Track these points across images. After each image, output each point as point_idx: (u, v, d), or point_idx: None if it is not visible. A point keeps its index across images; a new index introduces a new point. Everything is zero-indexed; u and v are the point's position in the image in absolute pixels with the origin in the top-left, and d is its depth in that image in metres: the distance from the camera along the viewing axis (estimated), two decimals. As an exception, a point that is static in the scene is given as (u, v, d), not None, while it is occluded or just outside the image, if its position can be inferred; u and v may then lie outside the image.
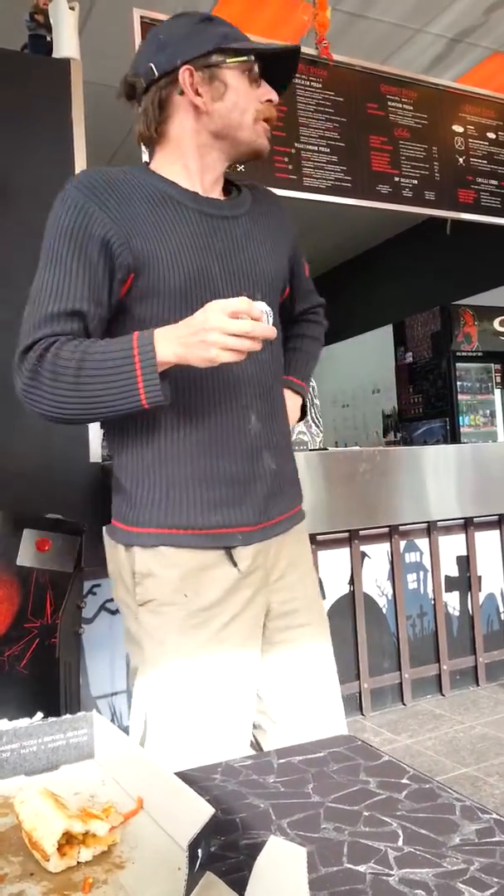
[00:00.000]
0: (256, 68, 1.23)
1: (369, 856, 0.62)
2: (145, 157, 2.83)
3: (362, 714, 3.01)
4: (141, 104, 1.25)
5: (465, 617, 3.33)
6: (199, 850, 0.54)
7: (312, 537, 2.92)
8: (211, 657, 1.17)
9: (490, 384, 6.04)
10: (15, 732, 0.74)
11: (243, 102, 1.23)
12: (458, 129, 3.69)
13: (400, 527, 3.15)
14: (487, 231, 3.94)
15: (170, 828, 0.63)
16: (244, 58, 1.22)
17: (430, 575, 3.25)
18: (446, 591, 3.29)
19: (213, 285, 1.19)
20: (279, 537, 1.28)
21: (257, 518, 1.23)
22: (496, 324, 5.99)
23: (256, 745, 1.29)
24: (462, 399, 5.89)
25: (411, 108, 3.55)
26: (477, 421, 5.93)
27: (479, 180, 3.73)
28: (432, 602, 3.25)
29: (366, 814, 0.69)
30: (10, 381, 2.07)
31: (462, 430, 5.83)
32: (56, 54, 2.39)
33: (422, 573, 3.24)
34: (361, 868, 0.60)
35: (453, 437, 5.79)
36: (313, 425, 3.05)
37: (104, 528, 1.29)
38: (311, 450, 2.95)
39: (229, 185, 1.35)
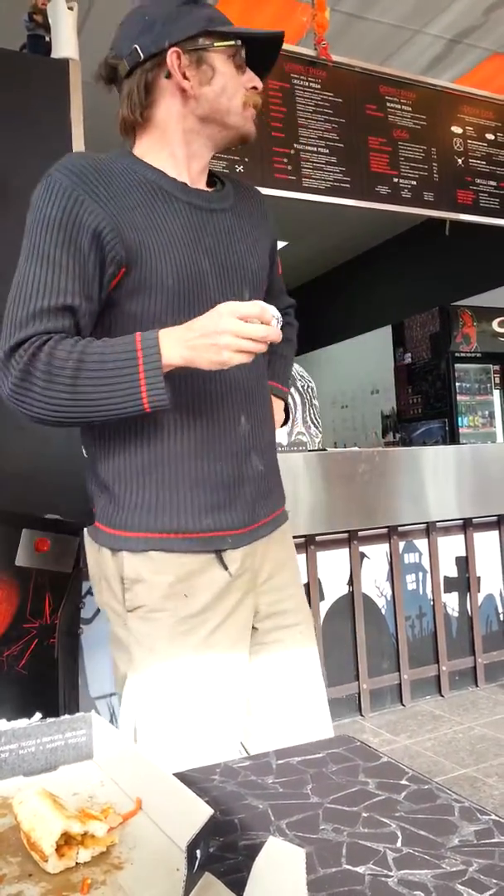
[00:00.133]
0: (243, 53, 1.20)
1: (368, 857, 0.62)
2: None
3: (361, 715, 3.01)
4: (123, 88, 1.20)
5: (464, 618, 3.33)
6: (198, 851, 0.54)
7: (311, 538, 2.92)
8: (201, 663, 1.15)
9: (489, 385, 6.04)
10: (13, 733, 0.74)
11: (231, 87, 1.19)
12: (456, 130, 3.69)
13: (399, 527, 3.15)
14: (486, 232, 3.95)
15: (168, 829, 0.63)
16: (231, 42, 1.18)
17: (429, 576, 3.25)
18: (445, 592, 3.29)
19: (204, 282, 1.16)
20: (265, 538, 1.27)
21: (246, 520, 1.21)
22: (495, 325, 5.99)
23: (242, 747, 1.28)
24: (461, 400, 5.89)
25: (410, 109, 3.55)
26: (476, 422, 5.93)
27: (478, 181, 3.73)
28: (431, 603, 3.25)
29: (365, 815, 0.69)
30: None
31: (461, 430, 5.83)
32: (55, 54, 2.39)
33: (421, 574, 3.24)
34: (360, 869, 0.60)
35: (452, 437, 5.79)
36: (312, 426, 3.05)
37: (85, 529, 1.25)
38: (310, 450, 2.95)
39: (212, 177, 1.31)
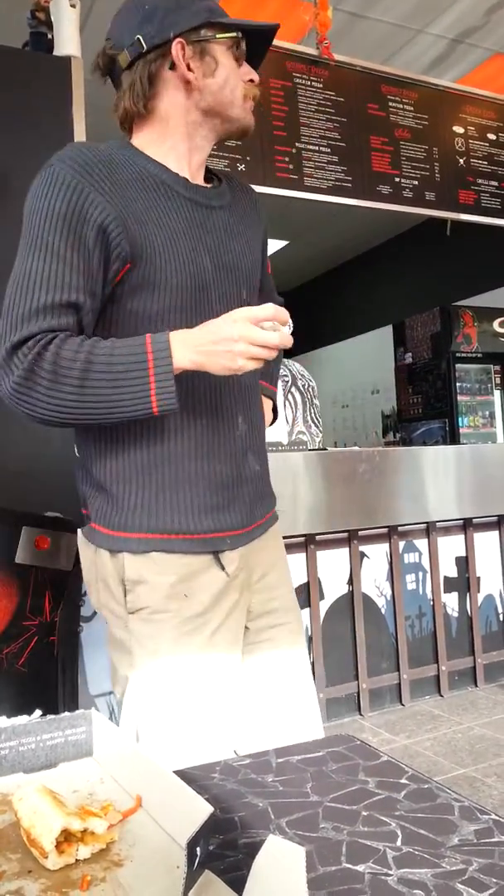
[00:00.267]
0: (243, 45, 1.20)
1: (368, 855, 0.62)
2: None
3: (360, 714, 3.01)
4: (123, 79, 1.18)
5: (463, 618, 3.33)
6: (198, 849, 0.54)
7: (311, 537, 2.92)
8: (204, 663, 1.14)
9: (489, 385, 6.04)
10: (13, 730, 0.74)
11: (233, 80, 1.18)
12: (458, 129, 3.69)
13: (399, 527, 3.15)
14: (487, 232, 3.95)
15: (168, 826, 0.63)
16: (233, 34, 1.18)
17: (428, 576, 3.25)
18: (445, 592, 3.29)
19: (205, 280, 1.15)
20: (259, 538, 1.27)
21: (244, 521, 1.21)
22: (496, 325, 5.99)
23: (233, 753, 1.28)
24: (461, 400, 5.88)
25: (412, 108, 3.55)
26: (476, 422, 5.93)
27: (480, 181, 3.73)
28: (431, 603, 3.25)
29: (364, 813, 0.69)
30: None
31: (461, 431, 5.83)
32: (57, 52, 2.39)
33: (421, 574, 3.24)
34: (360, 868, 0.60)
35: (452, 438, 5.79)
36: (313, 425, 3.05)
37: (80, 531, 1.22)
38: (310, 450, 2.95)
39: (208, 173, 1.29)
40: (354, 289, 8.28)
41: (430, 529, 3.24)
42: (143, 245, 1.08)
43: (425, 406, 6.14)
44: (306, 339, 7.41)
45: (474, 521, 3.35)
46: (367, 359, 7.24)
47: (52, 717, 0.77)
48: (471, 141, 3.73)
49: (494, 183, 3.76)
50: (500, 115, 3.83)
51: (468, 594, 3.34)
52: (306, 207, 3.52)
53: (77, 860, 0.59)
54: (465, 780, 2.40)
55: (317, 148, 3.26)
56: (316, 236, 7.37)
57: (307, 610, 2.90)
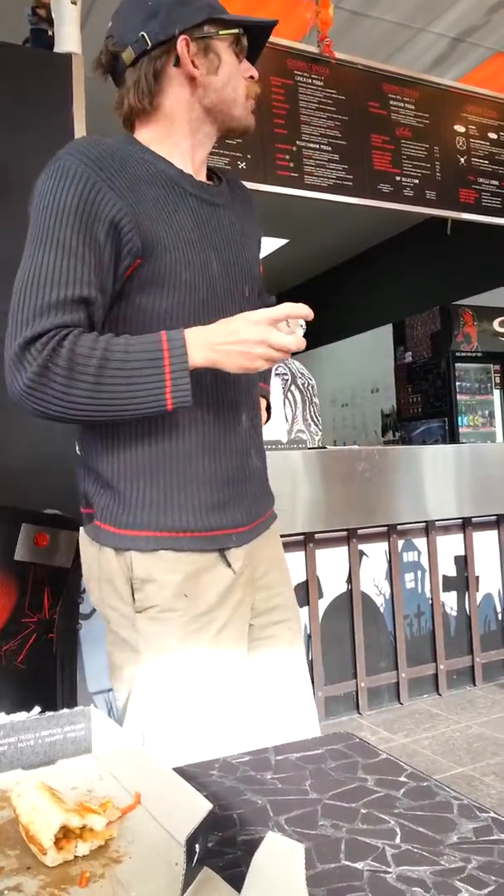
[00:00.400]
0: (245, 41, 1.20)
1: (367, 853, 0.62)
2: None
3: (359, 713, 3.01)
4: (127, 76, 1.18)
5: (462, 617, 3.33)
6: (197, 846, 0.54)
7: (311, 535, 2.92)
8: (212, 661, 1.14)
9: (489, 385, 6.03)
10: (12, 726, 0.74)
11: (236, 77, 1.19)
12: (459, 128, 3.69)
13: (398, 526, 3.15)
14: (488, 231, 3.94)
15: (167, 823, 0.63)
16: (235, 30, 1.18)
17: (427, 574, 3.25)
18: (444, 591, 3.29)
19: (212, 277, 1.15)
20: (261, 536, 1.27)
21: (248, 518, 1.22)
22: (496, 324, 5.98)
23: None
24: (461, 399, 5.88)
25: (413, 107, 3.55)
26: (476, 421, 5.93)
27: (481, 180, 3.73)
28: (430, 602, 3.25)
29: (363, 811, 0.69)
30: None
31: (461, 430, 5.83)
32: (58, 49, 2.39)
33: (419, 573, 3.24)
34: (359, 865, 0.60)
35: (452, 437, 5.79)
36: (312, 424, 3.05)
37: (82, 529, 1.21)
38: (309, 448, 2.95)
39: (208, 171, 1.29)
40: (354, 287, 8.27)
41: (429, 528, 3.24)
42: (153, 241, 1.08)
43: (425, 405, 6.14)
44: (306, 338, 7.36)
45: (473, 520, 3.35)
46: (367, 357, 7.24)
47: (50, 713, 0.77)
48: (472, 140, 3.72)
49: (495, 182, 3.76)
50: (501, 115, 3.83)
51: (467, 593, 3.35)
52: (307, 206, 3.51)
53: (76, 857, 0.59)
54: (463, 778, 2.40)
55: (317, 146, 3.26)
56: (316, 235, 7.36)
57: (306, 608, 2.91)
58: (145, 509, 1.12)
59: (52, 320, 1.01)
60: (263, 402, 1.47)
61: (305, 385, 3.06)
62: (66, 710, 0.77)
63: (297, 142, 3.21)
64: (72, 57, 2.37)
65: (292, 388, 3.00)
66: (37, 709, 0.77)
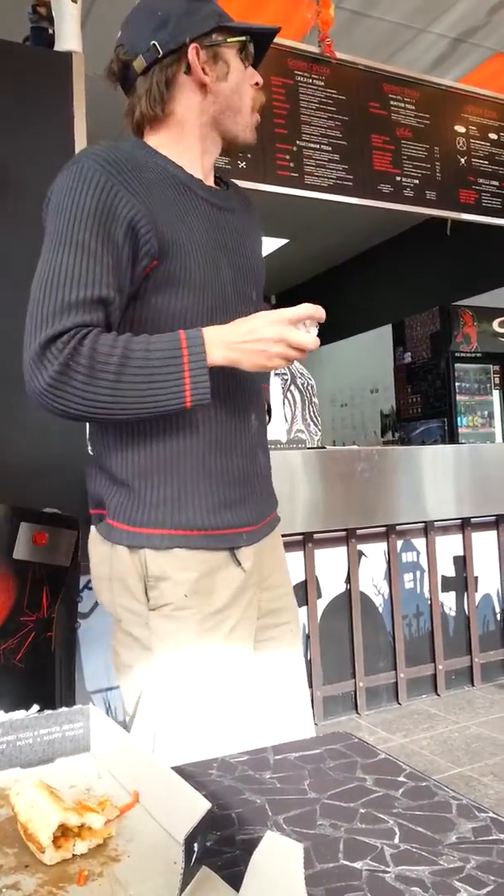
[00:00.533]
0: (251, 48, 1.23)
1: (365, 853, 0.62)
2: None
3: (357, 713, 3.01)
4: (138, 84, 1.20)
5: (461, 617, 3.33)
6: (196, 845, 0.54)
7: (309, 535, 2.92)
8: (224, 660, 1.15)
9: (489, 385, 6.03)
10: (11, 724, 0.74)
11: (243, 84, 1.22)
12: (460, 129, 3.69)
13: (397, 526, 3.15)
14: (488, 232, 3.94)
15: (166, 822, 0.63)
16: (242, 37, 1.21)
17: (426, 575, 3.25)
18: (443, 592, 3.29)
19: (223, 278, 1.17)
20: (267, 537, 1.28)
21: (257, 517, 1.23)
22: (495, 325, 5.99)
23: None
24: (460, 400, 5.88)
25: (413, 107, 3.55)
26: (475, 422, 5.93)
27: (481, 181, 3.73)
28: (428, 602, 3.25)
29: (362, 811, 0.69)
30: (9, 377, 2.05)
31: (460, 430, 5.83)
32: (58, 47, 2.39)
33: (418, 573, 3.24)
34: (357, 865, 0.60)
35: (451, 437, 5.79)
36: (312, 423, 3.05)
37: (94, 528, 1.22)
38: (309, 448, 2.95)
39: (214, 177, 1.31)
40: (354, 288, 8.27)
41: (428, 529, 3.24)
42: (169, 242, 1.10)
43: (424, 405, 6.14)
44: (306, 338, 7.34)
45: (472, 520, 3.35)
46: (367, 358, 7.23)
47: (49, 712, 0.77)
48: (472, 140, 3.72)
49: (495, 182, 3.76)
50: (502, 115, 3.83)
51: (466, 593, 3.35)
52: (307, 206, 3.51)
53: (74, 855, 0.59)
54: (461, 779, 2.40)
55: (318, 146, 3.26)
56: (316, 235, 7.36)
57: (305, 608, 2.91)
58: (160, 507, 1.13)
59: (73, 319, 1.02)
60: (264, 404, 1.48)
61: (305, 385, 3.06)
62: (64, 709, 0.77)
63: (298, 142, 3.21)
64: (72, 55, 2.37)
65: (292, 388, 3.00)
66: (35, 707, 0.77)
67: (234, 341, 1.06)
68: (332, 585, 3.02)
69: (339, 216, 6.32)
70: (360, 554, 3.10)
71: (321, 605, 2.99)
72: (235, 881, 0.54)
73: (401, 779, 0.76)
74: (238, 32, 1.20)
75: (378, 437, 7.11)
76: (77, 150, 2.33)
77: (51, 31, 2.41)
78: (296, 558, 2.90)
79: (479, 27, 4.15)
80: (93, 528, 1.22)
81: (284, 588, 1.34)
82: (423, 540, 3.25)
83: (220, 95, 1.20)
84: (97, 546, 1.20)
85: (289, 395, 2.98)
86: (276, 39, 3.28)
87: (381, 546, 3.15)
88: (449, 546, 3.33)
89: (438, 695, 3.21)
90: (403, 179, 3.48)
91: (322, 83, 3.30)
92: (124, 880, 0.55)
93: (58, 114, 2.33)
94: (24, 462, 2.18)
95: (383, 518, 2.99)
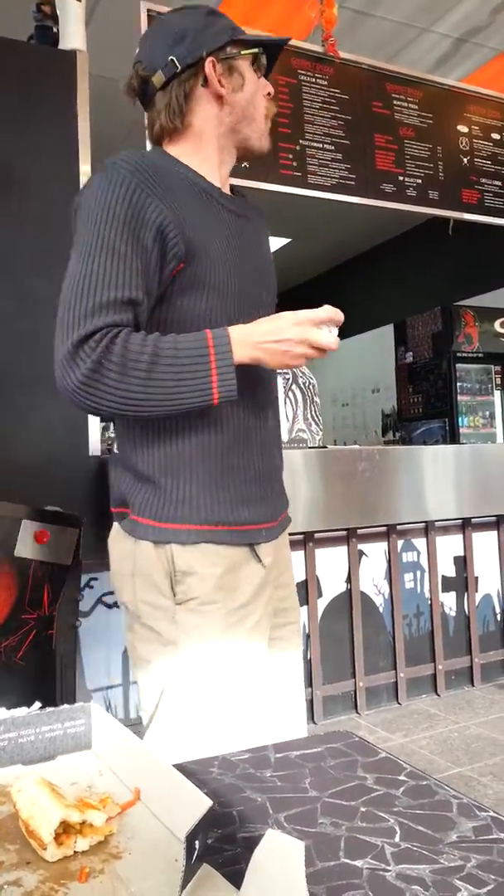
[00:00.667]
0: (264, 59, 1.28)
1: (366, 851, 0.62)
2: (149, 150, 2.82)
3: (357, 712, 3.01)
4: (156, 99, 1.24)
5: (461, 617, 3.33)
6: (197, 842, 0.54)
7: (310, 535, 2.92)
8: (246, 655, 1.18)
9: (490, 385, 6.03)
10: (13, 721, 0.74)
11: (257, 94, 1.27)
12: (462, 129, 3.69)
13: (398, 526, 3.15)
14: (490, 232, 3.94)
15: (167, 819, 0.63)
16: (255, 49, 1.26)
17: (427, 575, 3.25)
18: (443, 592, 3.29)
19: (242, 283, 1.21)
20: (280, 535, 1.31)
21: (274, 514, 1.27)
22: (497, 325, 5.99)
23: None
24: (462, 400, 5.88)
25: (416, 107, 3.54)
26: (476, 422, 5.93)
27: (483, 181, 3.72)
28: (429, 602, 3.25)
29: (363, 809, 0.69)
30: (11, 375, 2.07)
31: (461, 430, 5.83)
32: (62, 46, 2.39)
33: (419, 573, 3.24)
34: (358, 863, 0.60)
35: (452, 437, 5.79)
36: (313, 423, 3.05)
37: (118, 524, 1.24)
38: (310, 447, 2.95)
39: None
40: (356, 287, 8.27)
41: (428, 529, 3.24)
42: (195, 245, 1.14)
43: (425, 405, 6.14)
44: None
45: (473, 520, 3.35)
46: (368, 357, 7.23)
47: (51, 709, 0.77)
48: (475, 140, 3.72)
49: (498, 182, 3.76)
50: (505, 115, 3.83)
51: (466, 594, 3.35)
52: (309, 205, 3.51)
53: (75, 852, 0.59)
54: (460, 779, 2.40)
55: (321, 145, 3.26)
56: (318, 234, 7.36)
57: (305, 607, 2.91)
58: (185, 503, 1.16)
59: (104, 319, 1.05)
60: None
61: (306, 384, 3.06)
62: (66, 706, 0.78)
63: (301, 141, 3.21)
64: (76, 54, 2.37)
65: (293, 387, 3.00)
66: (37, 704, 0.77)
67: (258, 341, 1.10)
68: (332, 585, 3.03)
69: (341, 216, 6.33)
70: (361, 553, 3.10)
71: (321, 604, 2.99)
72: (236, 879, 0.54)
73: (401, 777, 0.76)
74: (251, 45, 1.26)
75: (379, 437, 7.11)
76: (81, 149, 2.34)
77: (55, 29, 2.41)
78: (296, 557, 2.90)
79: (482, 27, 4.15)
80: (115, 525, 1.25)
81: (292, 587, 1.37)
82: (424, 540, 3.25)
83: (237, 106, 1.25)
84: (119, 543, 1.23)
85: (290, 394, 2.98)
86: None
87: (382, 546, 3.16)
88: (449, 546, 3.33)
89: (438, 695, 3.21)
90: (406, 179, 3.48)
91: (325, 82, 3.30)
92: (125, 877, 0.56)
93: (61, 112, 2.33)
94: (27, 460, 2.18)
95: (384, 518, 2.99)
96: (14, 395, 2.20)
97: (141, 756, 0.69)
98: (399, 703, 3.11)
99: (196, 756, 0.83)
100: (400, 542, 3.19)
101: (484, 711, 3.02)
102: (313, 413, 3.06)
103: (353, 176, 3.32)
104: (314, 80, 3.27)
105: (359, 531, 3.06)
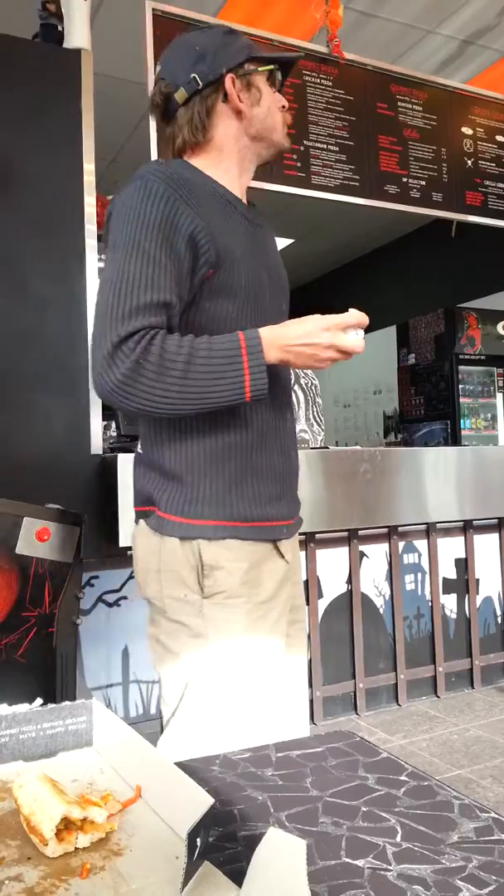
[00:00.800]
0: (279, 75, 1.35)
1: (367, 850, 0.62)
2: (153, 149, 2.83)
3: (357, 714, 3.01)
4: (179, 114, 1.30)
5: (461, 619, 3.33)
6: (198, 840, 0.54)
7: (311, 535, 2.92)
8: (269, 649, 1.22)
9: (492, 388, 6.03)
10: (14, 718, 0.74)
11: (273, 107, 1.33)
12: (467, 131, 3.69)
13: (399, 527, 3.15)
14: (493, 234, 3.94)
15: (168, 817, 0.63)
16: (272, 66, 1.33)
17: (427, 576, 3.25)
18: (444, 594, 3.29)
19: (263, 288, 1.27)
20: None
21: (293, 512, 1.32)
22: (500, 328, 5.98)
23: None
24: (464, 402, 5.87)
25: (421, 108, 3.55)
26: (478, 424, 5.92)
27: (487, 183, 3.72)
28: (429, 604, 3.25)
29: (364, 809, 0.69)
30: (14, 372, 2.07)
31: (463, 433, 5.82)
32: (67, 44, 2.39)
33: (420, 574, 3.24)
34: (360, 862, 0.60)
35: (454, 439, 5.78)
36: (315, 423, 3.04)
37: (141, 523, 1.27)
38: (312, 448, 2.95)
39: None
40: (359, 289, 8.27)
41: (429, 530, 3.24)
42: (224, 252, 1.20)
43: (427, 407, 6.14)
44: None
45: (474, 523, 3.35)
46: (370, 359, 7.22)
47: (52, 705, 0.77)
48: (479, 142, 3.72)
49: (502, 185, 3.76)
50: (509, 118, 3.83)
51: (467, 596, 3.34)
52: (312, 206, 3.51)
53: (76, 848, 0.59)
54: (460, 781, 2.40)
55: (325, 146, 3.26)
56: (321, 235, 7.36)
57: (305, 608, 2.90)
58: (211, 500, 1.20)
59: (141, 321, 1.10)
60: None
61: (308, 385, 3.05)
62: (67, 703, 0.77)
63: (305, 141, 3.21)
64: (81, 53, 2.37)
65: (295, 387, 2.99)
66: (39, 701, 0.77)
67: (288, 344, 1.14)
68: (333, 586, 3.02)
69: (344, 217, 6.32)
70: (362, 554, 3.09)
71: (322, 605, 2.99)
72: (237, 877, 0.54)
73: (403, 778, 0.76)
74: (267, 62, 1.33)
75: (381, 439, 7.10)
76: (84, 146, 2.34)
77: (60, 28, 2.42)
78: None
79: (487, 29, 4.15)
80: (141, 522, 1.27)
81: (301, 586, 1.42)
82: (425, 541, 3.25)
83: (255, 120, 1.31)
84: (144, 540, 1.26)
85: (292, 394, 2.98)
86: (285, 39, 3.29)
87: (383, 547, 3.15)
88: (450, 548, 3.33)
89: (438, 697, 3.20)
90: (410, 180, 3.48)
91: (330, 83, 3.30)
92: (126, 874, 0.55)
93: (66, 110, 2.33)
94: (29, 458, 2.18)
95: (385, 519, 2.99)
96: (15, 393, 2.20)
97: (142, 753, 0.69)
98: (399, 705, 3.11)
99: (220, 747, 0.85)
100: (401, 544, 3.19)
101: (484, 714, 3.01)
102: (315, 414, 3.06)
103: (357, 177, 3.32)
104: (319, 80, 3.27)
105: (360, 532, 3.06)
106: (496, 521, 3.42)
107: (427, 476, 3.04)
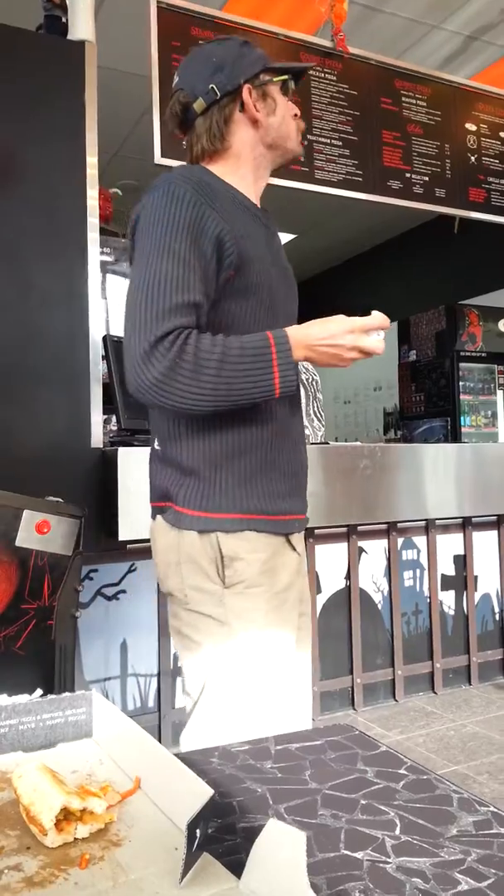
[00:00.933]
0: (292, 84, 1.40)
1: (366, 843, 0.62)
2: (156, 143, 2.82)
3: (354, 709, 3.01)
4: (197, 123, 1.35)
5: (459, 616, 3.33)
6: (198, 831, 0.54)
7: (310, 531, 2.92)
8: (285, 637, 1.26)
9: (493, 385, 6.02)
10: (14, 708, 0.74)
11: (288, 115, 1.38)
12: (471, 127, 3.68)
13: (398, 524, 3.15)
14: (495, 231, 3.93)
15: (167, 808, 0.63)
16: (286, 76, 1.38)
17: (426, 573, 3.25)
18: (442, 590, 3.29)
19: (277, 290, 1.32)
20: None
21: (303, 507, 1.36)
22: (501, 325, 5.97)
23: None
24: (464, 399, 5.87)
25: (425, 104, 3.54)
26: (478, 421, 5.92)
27: (491, 179, 3.72)
28: (428, 600, 3.25)
29: (363, 802, 0.69)
30: (15, 365, 2.07)
31: (463, 430, 5.82)
32: (71, 36, 2.38)
33: (418, 571, 3.24)
34: (359, 855, 0.60)
35: (454, 436, 5.78)
36: (315, 419, 3.04)
37: (159, 518, 1.30)
38: (312, 443, 2.95)
39: None
40: (360, 284, 8.26)
41: (429, 527, 3.24)
42: (245, 254, 1.24)
43: (428, 404, 6.13)
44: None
45: (473, 519, 3.35)
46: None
47: (52, 696, 0.77)
48: (483, 139, 3.71)
49: (505, 182, 3.75)
50: (513, 114, 3.82)
51: (465, 592, 3.35)
52: (315, 200, 3.50)
53: (76, 839, 0.59)
54: (456, 777, 2.41)
55: (328, 141, 3.25)
56: (323, 231, 7.35)
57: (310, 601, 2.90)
58: (229, 493, 1.24)
59: (174, 322, 1.14)
60: None
61: (309, 380, 3.05)
62: (67, 694, 0.78)
63: (309, 136, 3.20)
64: (85, 45, 2.36)
65: (296, 382, 2.99)
66: (39, 691, 0.77)
67: (313, 343, 1.19)
68: (331, 581, 3.03)
69: (346, 212, 6.31)
70: (361, 550, 3.10)
71: (320, 600, 2.99)
72: (236, 869, 0.54)
73: (401, 771, 0.76)
74: (281, 72, 1.38)
75: (381, 435, 7.10)
76: (87, 139, 2.34)
77: (64, 19, 2.41)
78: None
79: (492, 25, 4.14)
80: (158, 517, 1.31)
81: (307, 579, 1.44)
82: (424, 538, 3.25)
83: (270, 128, 1.36)
84: (163, 534, 1.29)
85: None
86: (289, 33, 3.28)
87: (382, 543, 3.16)
88: (449, 545, 3.33)
89: (435, 693, 3.21)
90: (413, 176, 3.47)
91: (334, 78, 3.29)
92: (126, 865, 0.56)
93: (69, 102, 2.33)
94: (29, 450, 2.18)
95: (384, 515, 2.99)
96: (16, 386, 2.20)
97: (142, 745, 0.69)
98: (396, 701, 3.11)
99: (243, 734, 0.88)
100: (400, 540, 3.19)
101: (481, 710, 3.02)
102: (316, 409, 3.06)
103: (361, 172, 3.32)
104: (323, 75, 3.26)
105: (359, 528, 3.06)
106: (495, 518, 3.42)
107: (427, 473, 3.04)
